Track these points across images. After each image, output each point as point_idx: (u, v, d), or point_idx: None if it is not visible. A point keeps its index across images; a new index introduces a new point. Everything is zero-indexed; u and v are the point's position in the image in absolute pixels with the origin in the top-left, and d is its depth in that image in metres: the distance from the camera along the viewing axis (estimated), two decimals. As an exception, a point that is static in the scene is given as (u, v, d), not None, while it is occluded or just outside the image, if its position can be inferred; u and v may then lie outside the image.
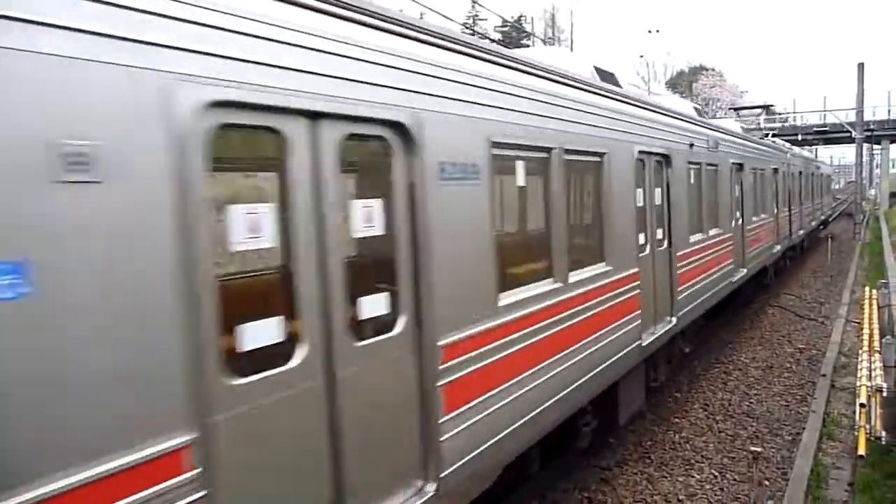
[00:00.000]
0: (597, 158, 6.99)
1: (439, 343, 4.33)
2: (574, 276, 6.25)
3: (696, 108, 13.73)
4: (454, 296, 4.48)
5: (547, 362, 5.70)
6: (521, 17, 72.50)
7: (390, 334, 4.07)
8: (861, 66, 43.62)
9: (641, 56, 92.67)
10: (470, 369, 4.64)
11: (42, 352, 2.42)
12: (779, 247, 18.56)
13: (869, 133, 51.29)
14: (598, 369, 6.68)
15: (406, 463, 4.20)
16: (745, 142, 15.31)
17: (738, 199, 13.78)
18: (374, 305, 4.03)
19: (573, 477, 7.68)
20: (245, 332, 3.23)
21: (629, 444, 8.71)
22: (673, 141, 9.52)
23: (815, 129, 58.20)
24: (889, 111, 58.98)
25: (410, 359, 4.18)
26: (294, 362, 3.42)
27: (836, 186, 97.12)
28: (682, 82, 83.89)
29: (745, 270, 13.99)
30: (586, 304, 6.45)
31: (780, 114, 69.62)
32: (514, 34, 64.04)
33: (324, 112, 3.57)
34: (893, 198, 54.88)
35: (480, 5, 54.35)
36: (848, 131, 50.27)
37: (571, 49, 57.99)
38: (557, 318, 5.88)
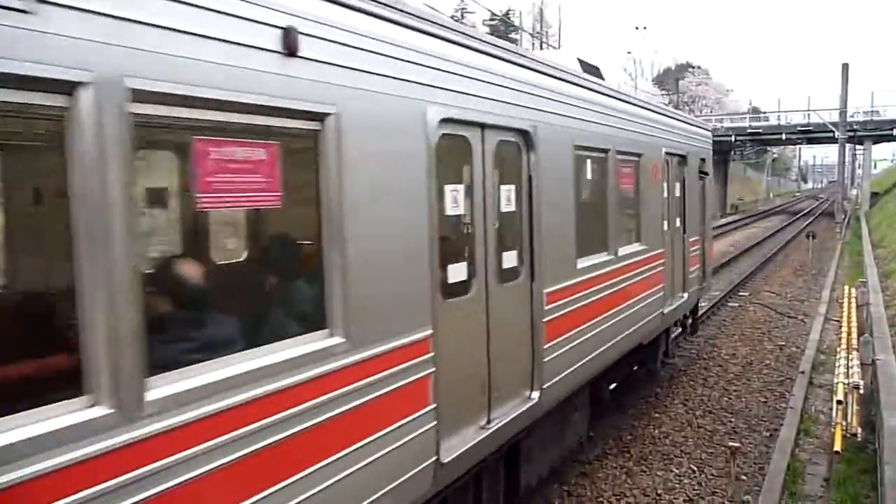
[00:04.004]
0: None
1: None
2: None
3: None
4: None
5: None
6: (509, 11, 72.28)
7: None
8: (846, 66, 44.04)
9: (629, 52, 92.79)
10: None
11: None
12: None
13: (852, 133, 51.75)
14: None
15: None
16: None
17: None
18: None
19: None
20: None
21: (609, 438, 8.77)
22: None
23: (798, 128, 58.68)
24: (872, 112, 59.44)
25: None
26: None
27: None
28: (668, 79, 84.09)
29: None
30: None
31: (764, 113, 70.03)
32: (503, 28, 63.88)
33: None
34: (875, 197, 55.32)
35: (469, -2, 54.17)
36: (831, 131, 50.78)
37: (559, 44, 57.98)
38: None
